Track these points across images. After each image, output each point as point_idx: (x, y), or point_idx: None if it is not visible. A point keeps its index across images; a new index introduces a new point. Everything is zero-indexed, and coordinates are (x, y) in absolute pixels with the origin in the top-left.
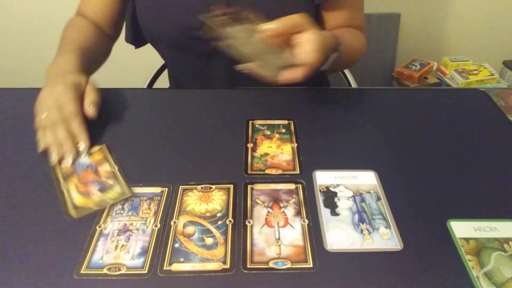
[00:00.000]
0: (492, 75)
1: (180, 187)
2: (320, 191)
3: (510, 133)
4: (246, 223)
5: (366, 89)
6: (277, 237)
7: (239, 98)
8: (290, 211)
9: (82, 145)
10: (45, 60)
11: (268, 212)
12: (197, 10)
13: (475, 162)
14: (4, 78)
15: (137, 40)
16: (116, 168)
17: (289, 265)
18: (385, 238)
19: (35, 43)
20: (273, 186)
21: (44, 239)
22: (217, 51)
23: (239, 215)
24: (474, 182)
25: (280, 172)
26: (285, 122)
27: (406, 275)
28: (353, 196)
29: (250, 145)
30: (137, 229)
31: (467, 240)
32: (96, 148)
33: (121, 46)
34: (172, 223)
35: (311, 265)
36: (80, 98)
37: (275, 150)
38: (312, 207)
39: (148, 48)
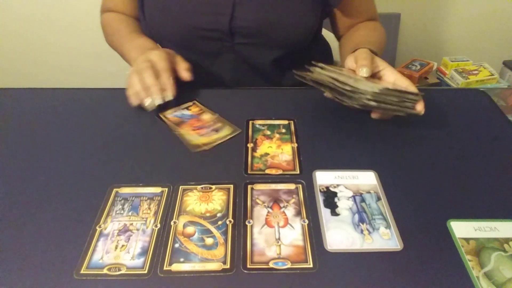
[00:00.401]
0: (492, 75)
1: (180, 187)
2: (320, 191)
3: (510, 133)
4: (246, 223)
5: None
6: (277, 237)
7: (239, 98)
8: (290, 211)
9: (168, 94)
10: (45, 60)
11: (268, 212)
12: (203, 10)
13: (475, 162)
14: (4, 78)
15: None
16: (217, 114)
17: (289, 265)
18: (385, 238)
19: (35, 43)
20: (273, 186)
21: (44, 239)
22: (221, 51)
23: (239, 215)
24: (474, 182)
25: (280, 172)
26: (285, 122)
27: (406, 275)
28: (353, 196)
29: (250, 145)
30: (137, 229)
31: (467, 240)
32: (189, 103)
33: None
34: (172, 223)
35: (311, 265)
36: (171, 63)
37: (275, 150)
38: (312, 207)
39: None
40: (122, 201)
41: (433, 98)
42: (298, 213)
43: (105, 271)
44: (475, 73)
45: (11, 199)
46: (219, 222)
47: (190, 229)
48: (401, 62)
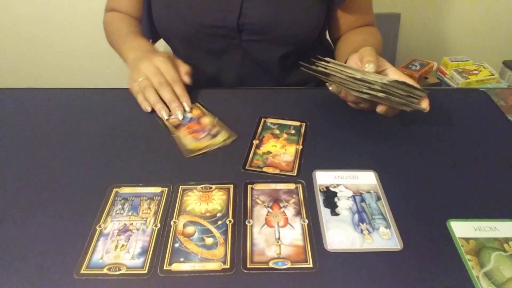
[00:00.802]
0: (492, 75)
1: (180, 187)
2: (320, 191)
3: (510, 133)
4: (246, 223)
5: None
6: (277, 237)
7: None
8: (290, 211)
9: (186, 106)
10: (45, 60)
11: (268, 212)
12: (211, 7)
13: (475, 162)
14: (4, 78)
15: (154, 34)
16: (216, 118)
17: (289, 265)
18: (385, 238)
19: (35, 43)
20: (273, 186)
21: (44, 239)
22: (228, 48)
23: (239, 215)
24: (474, 182)
25: (277, 171)
26: (297, 123)
27: (406, 275)
28: (353, 196)
29: (255, 142)
30: (137, 229)
31: (467, 240)
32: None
33: None
34: (172, 223)
35: (311, 265)
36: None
37: (279, 149)
38: (312, 207)
39: None
40: (122, 201)
41: (433, 98)
42: (298, 213)
43: (105, 271)
44: (475, 73)
45: (11, 199)
46: (219, 222)
47: (190, 229)
48: (401, 62)
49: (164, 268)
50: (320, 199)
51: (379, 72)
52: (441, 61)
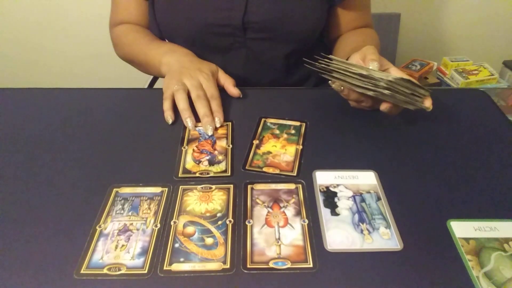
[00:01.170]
0: (492, 75)
1: (180, 187)
2: (320, 191)
3: (510, 133)
4: (246, 223)
5: None
6: (277, 237)
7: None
8: (290, 211)
9: (218, 122)
10: (45, 60)
11: (268, 212)
12: (215, 5)
13: (475, 162)
14: (4, 78)
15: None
16: (230, 147)
17: (289, 265)
18: (385, 238)
19: (35, 43)
20: (273, 186)
21: (44, 239)
22: (233, 47)
23: (239, 215)
24: (474, 182)
25: (277, 171)
26: (297, 123)
27: (406, 275)
28: (353, 196)
29: (255, 142)
30: (137, 229)
31: (467, 240)
32: (223, 123)
33: None
34: (172, 223)
35: (311, 265)
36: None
37: (279, 149)
38: (312, 207)
39: None
40: (122, 201)
41: (433, 98)
42: (298, 213)
43: (105, 271)
44: (475, 73)
45: (11, 199)
46: (219, 222)
47: (190, 229)
48: (401, 62)
49: (164, 268)
50: (320, 199)
51: (381, 71)
52: (441, 61)
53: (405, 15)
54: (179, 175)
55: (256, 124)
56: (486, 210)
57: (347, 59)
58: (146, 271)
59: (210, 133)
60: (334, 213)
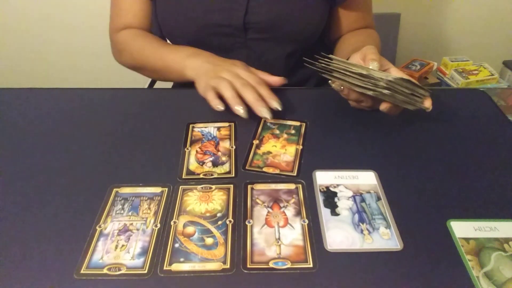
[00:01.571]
0: (492, 75)
1: (180, 187)
2: (320, 191)
3: (510, 133)
4: (246, 223)
5: None
6: (277, 237)
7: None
8: (290, 211)
9: (277, 104)
10: (45, 60)
11: (268, 212)
12: (216, 6)
13: (475, 162)
14: (4, 78)
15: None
16: (234, 148)
17: (289, 265)
18: (385, 238)
19: (35, 43)
20: (273, 186)
21: (44, 239)
22: (234, 47)
23: (239, 215)
24: (474, 182)
25: (277, 171)
26: (297, 123)
27: (406, 275)
28: (353, 196)
29: (255, 142)
30: (137, 229)
31: (467, 240)
32: (225, 124)
33: None
34: (172, 223)
35: (311, 265)
36: None
37: (279, 149)
38: (312, 207)
39: None
40: (122, 201)
41: (433, 98)
42: (298, 213)
43: (105, 271)
44: (475, 73)
45: (11, 199)
46: (219, 222)
47: (190, 229)
48: (401, 62)
49: (164, 268)
50: (320, 199)
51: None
52: (441, 61)
53: (405, 15)
54: (183, 177)
55: (256, 124)
56: (486, 210)
57: (347, 59)
58: (146, 271)
59: (268, 116)
60: (334, 213)
